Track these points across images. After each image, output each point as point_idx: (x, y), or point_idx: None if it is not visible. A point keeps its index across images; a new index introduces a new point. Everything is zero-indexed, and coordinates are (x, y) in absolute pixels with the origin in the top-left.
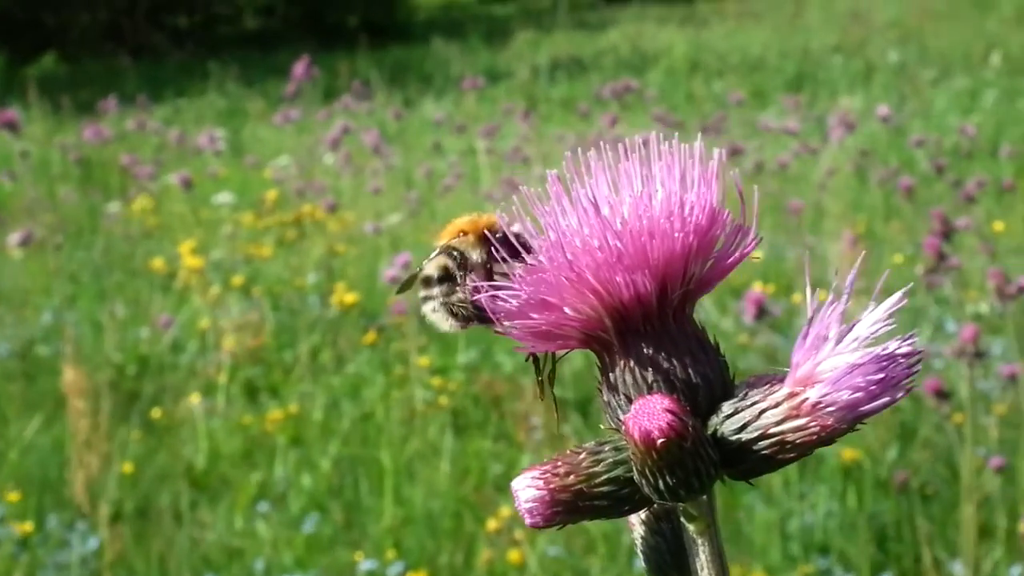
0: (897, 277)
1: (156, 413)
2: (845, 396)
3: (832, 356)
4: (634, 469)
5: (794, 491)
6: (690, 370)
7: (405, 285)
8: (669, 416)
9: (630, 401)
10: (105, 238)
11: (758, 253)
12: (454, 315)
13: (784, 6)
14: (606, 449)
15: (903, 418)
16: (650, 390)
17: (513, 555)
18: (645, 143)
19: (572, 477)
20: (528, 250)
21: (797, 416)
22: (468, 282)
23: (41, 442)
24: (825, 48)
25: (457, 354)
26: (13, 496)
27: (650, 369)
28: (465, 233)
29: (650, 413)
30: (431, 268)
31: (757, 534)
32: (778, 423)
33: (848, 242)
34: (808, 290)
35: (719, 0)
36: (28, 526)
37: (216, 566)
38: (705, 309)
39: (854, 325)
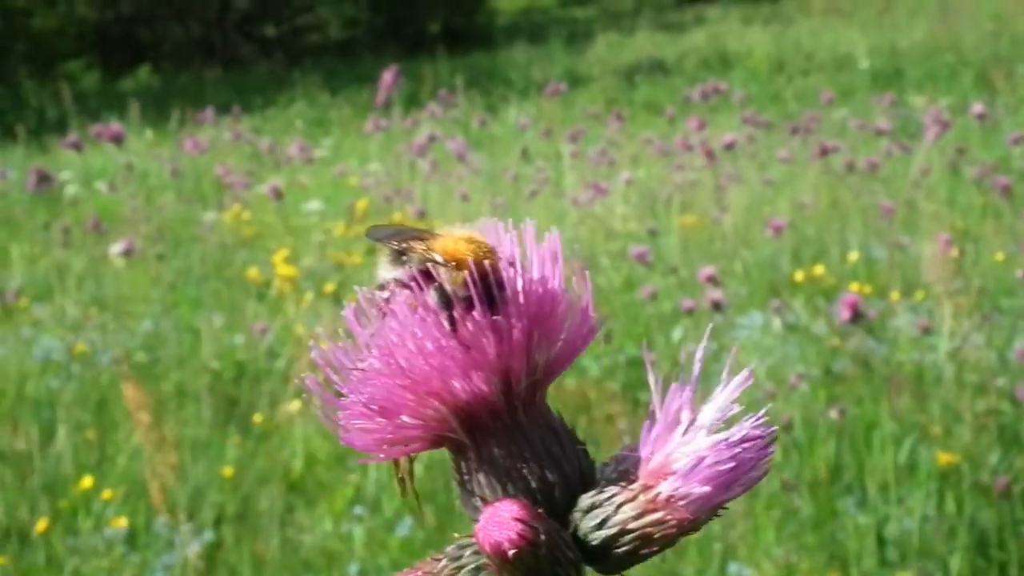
0: (998, 277)
1: (256, 418)
2: (697, 490)
3: (682, 446)
4: None
5: (891, 496)
6: (544, 465)
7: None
8: (519, 525)
9: (486, 503)
10: (202, 247)
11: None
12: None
13: (872, 2)
14: (467, 554)
15: (1004, 421)
16: (504, 490)
17: None
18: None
19: None
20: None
21: (655, 510)
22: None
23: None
24: (914, 44)
25: None
26: (120, 499)
27: (502, 468)
28: (459, 268)
29: (499, 523)
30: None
31: (851, 540)
32: (636, 517)
33: (943, 243)
34: (652, 378)
35: None
36: (130, 526)
37: (315, 568)
38: (795, 312)
39: (700, 411)
